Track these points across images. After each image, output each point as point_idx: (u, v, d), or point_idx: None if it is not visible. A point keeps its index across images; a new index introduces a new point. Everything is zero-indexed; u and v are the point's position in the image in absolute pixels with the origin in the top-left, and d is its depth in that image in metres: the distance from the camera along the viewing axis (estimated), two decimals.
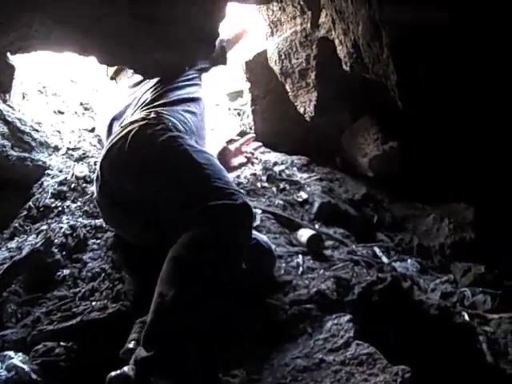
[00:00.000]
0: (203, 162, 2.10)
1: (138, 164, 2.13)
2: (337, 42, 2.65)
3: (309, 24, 2.96)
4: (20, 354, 1.78)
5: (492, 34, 1.95)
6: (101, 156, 2.28)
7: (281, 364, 1.85)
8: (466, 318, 2.30)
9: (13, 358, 1.75)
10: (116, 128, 2.52)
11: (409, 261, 2.78)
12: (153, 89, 2.59)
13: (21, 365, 1.73)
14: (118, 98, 2.78)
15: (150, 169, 2.12)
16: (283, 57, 3.23)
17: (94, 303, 2.00)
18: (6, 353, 1.77)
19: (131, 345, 1.70)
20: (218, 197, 1.93)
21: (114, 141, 2.23)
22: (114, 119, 2.64)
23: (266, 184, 3.01)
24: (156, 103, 2.47)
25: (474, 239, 2.83)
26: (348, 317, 1.97)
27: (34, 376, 1.72)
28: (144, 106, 2.47)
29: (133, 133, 2.19)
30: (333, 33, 2.69)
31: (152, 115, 2.33)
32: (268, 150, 3.37)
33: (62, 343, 1.84)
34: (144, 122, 2.25)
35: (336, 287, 2.17)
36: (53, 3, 2.08)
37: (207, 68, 2.93)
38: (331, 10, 2.55)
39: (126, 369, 1.65)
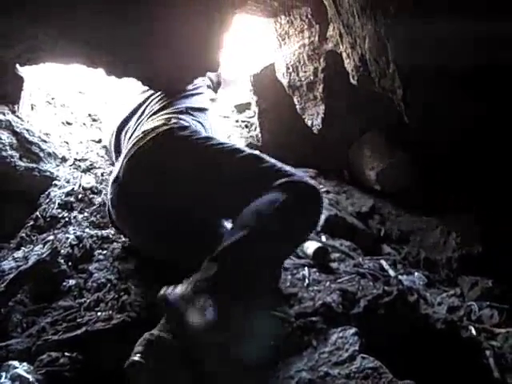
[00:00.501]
0: (249, 153, 2.14)
1: (174, 167, 2.15)
2: (344, 55, 2.66)
3: (317, 37, 2.98)
4: (25, 363, 1.77)
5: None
6: (123, 162, 2.25)
7: (285, 377, 1.83)
8: (473, 332, 2.28)
9: (17, 368, 1.74)
10: (125, 136, 2.53)
11: (416, 274, 2.76)
12: (159, 98, 2.60)
13: (25, 374, 1.72)
14: (121, 107, 2.79)
15: (192, 171, 2.12)
16: (291, 70, 3.25)
17: (99, 314, 1.99)
18: (10, 362, 1.76)
19: (136, 357, 1.70)
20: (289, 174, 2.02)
21: (139, 145, 2.21)
22: (120, 128, 2.65)
23: None
24: (165, 111, 2.48)
25: (482, 253, 2.82)
26: (353, 330, 1.95)
27: None
28: (152, 115, 2.48)
29: (163, 136, 2.20)
30: (340, 46, 2.70)
31: (173, 120, 2.33)
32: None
33: (66, 353, 1.83)
34: (169, 127, 2.26)
35: (342, 300, 2.16)
36: (55, 13, 2.10)
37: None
38: (339, 24, 2.56)
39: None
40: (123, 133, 2.61)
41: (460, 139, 2.35)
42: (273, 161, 2.13)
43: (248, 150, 2.18)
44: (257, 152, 2.20)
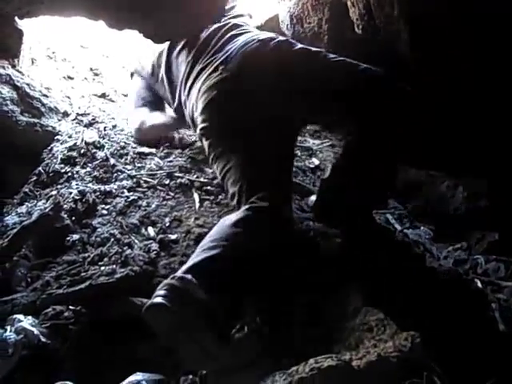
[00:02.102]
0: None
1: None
2: (349, 3, 2.59)
3: None
4: (29, 317, 1.79)
5: None
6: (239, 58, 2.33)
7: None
8: (479, 285, 2.27)
9: (22, 321, 1.76)
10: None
11: (422, 228, 2.74)
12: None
13: (30, 328, 1.74)
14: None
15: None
16: (295, 21, 3.17)
17: (102, 268, 1.99)
18: (15, 316, 1.79)
19: (159, 299, 1.65)
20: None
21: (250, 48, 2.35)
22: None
23: None
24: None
25: (489, 206, 2.80)
26: (358, 283, 1.95)
27: (42, 339, 1.73)
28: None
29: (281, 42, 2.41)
30: None
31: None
32: None
33: (70, 307, 1.84)
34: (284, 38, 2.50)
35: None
36: None
37: None
38: None
39: None
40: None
41: (465, 88, 2.31)
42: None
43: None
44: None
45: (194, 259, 1.81)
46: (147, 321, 1.65)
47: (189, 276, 1.70)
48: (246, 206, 1.99)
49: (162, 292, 1.65)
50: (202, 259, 1.79)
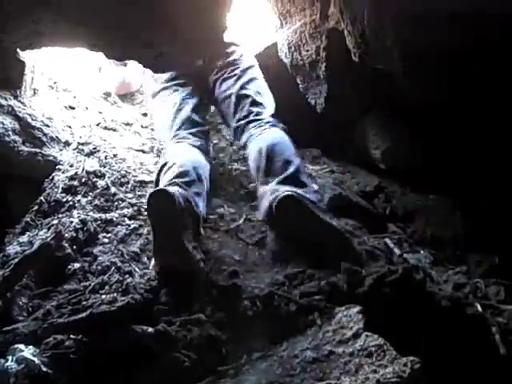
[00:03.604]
0: None
1: None
2: (346, 32, 2.64)
3: (318, 15, 2.94)
4: (31, 346, 1.80)
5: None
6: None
7: (290, 356, 1.84)
8: (479, 308, 2.27)
9: (23, 351, 1.76)
10: None
11: (421, 252, 2.74)
12: None
13: (31, 357, 1.74)
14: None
15: None
16: (293, 49, 3.22)
17: (103, 296, 2.01)
18: (16, 346, 1.79)
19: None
20: None
21: None
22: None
23: None
24: None
25: (488, 230, 2.80)
26: (358, 308, 1.95)
27: (44, 368, 1.73)
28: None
29: None
30: (341, 24, 2.68)
31: None
32: None
33: (72, 336, 1.84)
34: None
35: (347, 279, 2.16)
36: None
37: None
38: (339, 0, 2.54)
39: None
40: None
41: (460, 113, 2.34)
42: None
43: None
44: None
45: None
46: (150, 202, 2.20)
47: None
48: None
49: (174, 188, 2.23)
50: None
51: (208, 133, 2.97)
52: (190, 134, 2.77)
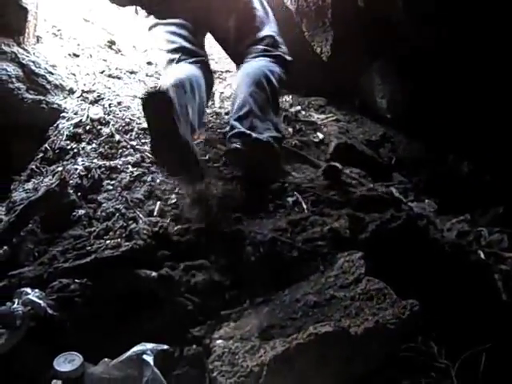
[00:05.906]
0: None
1: None
2: None
3: None
4: (36, 290, 1.83)
5: None
6: None
7: (292, 300, 1.86)
8: (482, 256, 2.28)
9: (29, 294, 1.79)
10: None
11: (426, 201, 2.75)
12: None
13: (37, 300, 1.77)
14: None
15: None
16: None
17: (107, 242, 2.03)
18: (23, 289, 1.82)
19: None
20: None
21: None
22: None
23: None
24: None
25: (493, 180, 2.80)
26: (360, 254, 1.97)
27: (49, 311, 1.77)
28: None
29: None
30: None
31: None
32: (284, 91, 3.32)
33: (76, 280, 1.88)
34: None
35: (349, 225, 2.16)
36: None
37: None
38: None
39: None
40: None
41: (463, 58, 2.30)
42: None
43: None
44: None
45: None
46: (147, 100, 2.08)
47: None
48: None
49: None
50: None
51: (207, 62, 2.85)
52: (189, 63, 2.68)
